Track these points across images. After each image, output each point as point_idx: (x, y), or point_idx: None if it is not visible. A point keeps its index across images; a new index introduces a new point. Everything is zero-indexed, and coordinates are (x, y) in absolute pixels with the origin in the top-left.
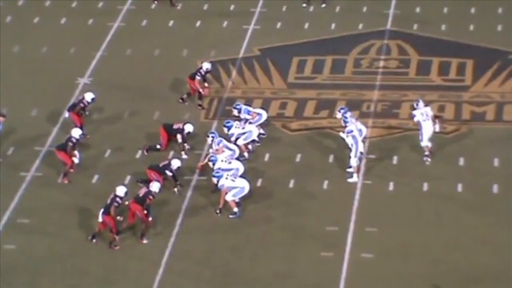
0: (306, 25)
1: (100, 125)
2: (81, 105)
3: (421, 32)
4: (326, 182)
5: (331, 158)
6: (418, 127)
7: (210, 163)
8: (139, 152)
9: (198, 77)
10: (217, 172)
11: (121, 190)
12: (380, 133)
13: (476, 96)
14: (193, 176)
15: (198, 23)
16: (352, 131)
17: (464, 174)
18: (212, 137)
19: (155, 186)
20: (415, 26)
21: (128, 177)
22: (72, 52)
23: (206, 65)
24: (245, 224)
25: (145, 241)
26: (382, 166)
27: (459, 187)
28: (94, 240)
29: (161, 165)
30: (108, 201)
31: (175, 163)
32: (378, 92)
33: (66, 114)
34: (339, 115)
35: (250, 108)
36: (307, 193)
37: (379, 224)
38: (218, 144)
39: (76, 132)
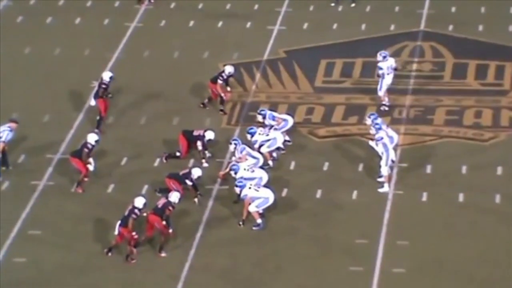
0: (335, 26)
1: (116, 131)
2: (103, 86)
3: (457, 33)
4: (355, 192)
5: (360, 167)
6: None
7: (232, 172)
8: (158, 160)
9: (220, 81)
10: (240, 182)
11: (139, 201)
12: (412, 140)
13: None
14: (214, 185)
15: (220, 24)
16: (382, 138)
17: (502, 184)
18: (235, 144)
19: (174, 196)
20: (451, 27)
21: (146, 187)
22: (87, 54)
23: (229, 68)
24: (269, 236)
25: (163, 254)
26: (414, 176)
27: (497, 198)
28: (110, 254)
29: (180, 173)
30: (126, 213)
31: (196, 172)
32: (410, 97)
33: (93, 103)
34: (368, 121)
35: (275, 114)
36: (335, 203)
37: (411, 237)
38: (241, 152)
39: (92, 138)
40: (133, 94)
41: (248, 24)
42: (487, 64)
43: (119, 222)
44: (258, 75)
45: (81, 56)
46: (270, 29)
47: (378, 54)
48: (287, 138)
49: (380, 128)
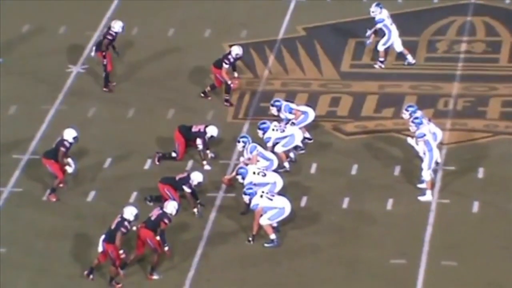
0: None
1: (98, 127)
2: (109, 38)
3: None
4: (390, 202)
5: (397, 171)
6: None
7: (239, 177)
8: (149, 161)
9: (225, 65)
10: (249, 188)
11: (130, 212)
12: (461, 138)
13: None
14: (218, 193)
15: None
16: (424, 135)
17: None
18: (244, 142)
19: (170, 207)
20: None
21: (134, 194)
22: (62, 33)
23: (236, 50)
24: (284, 255)
25: (155, 277)
26: (463, 181)
27: None
28: (91, 276)
29: (177, 178)
30: (113, 226)
31: (195, 177)
32: (458, 84)
33: (92, 53)
34: (406, 115)
35: (292, 105)
36: (365, 215)
37: (459, 256)
38: (251, 152)
39: (69, 134)
40: (118, 82)
41: None
42: None
43: (103, 236)
44: (271, 58)
45: (56, 36)
46: (286, 1)
47: (372, 8)
48: (307, 135)
49: (420, 123)
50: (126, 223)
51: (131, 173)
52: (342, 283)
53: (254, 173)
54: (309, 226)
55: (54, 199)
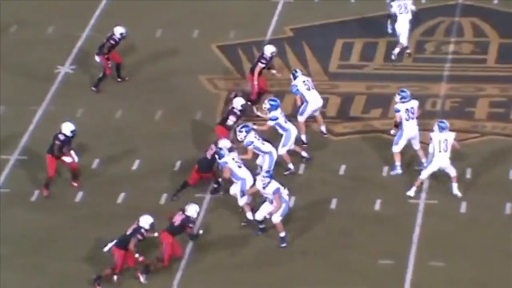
0: None
1: (86, 127)
2: (112, 42)
3: (504, 6)
4: (378, 202)
5: (385, 171)
6: (495, 131)
7: (217, 157)
8: (137, 162)
9: (261, 64)
10: (222, 156)
11: (145, 221)
12: None
13: None
14: (205, 194)
15: None
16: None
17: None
18: (247, 132)
19: (191, 210)
20: None
21: (122, 195)
22: (51, 32)
23: (271, 49)
24: (273, 257)
25: (142, 279)
26: (451, 181)
27: None
28: (115, 278)
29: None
30: (128, 232)
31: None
32: (446, 85)
33: (97, 59)
34: (397, 98)
35: (256, 143)
36: (353, 216)
37: (447, 257)
38: (248, 146)
39: (67, 128)
40: (107, 82)
41: None
42: None
43: (114, 241)
44: None
45: (44, 35)
46: (274, 2)
47: None
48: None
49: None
50: (142, 230)
51: (120, 174)
52: (331, 284)
53: (233, 159)
54: (297, 227)
55: (45, 194)
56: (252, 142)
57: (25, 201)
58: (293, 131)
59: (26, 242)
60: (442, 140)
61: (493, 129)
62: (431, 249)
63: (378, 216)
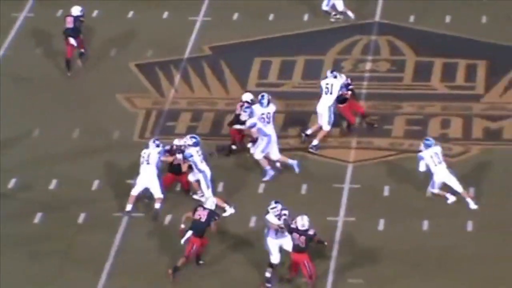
0: (271, 17)
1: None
2: (81, 20)
3: (419, 25)
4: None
5: (303, 189)
6: (412, 148)
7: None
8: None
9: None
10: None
11: (211, 202)
12: (366, 156)
13: (490, 108)
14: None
15: (130, 14)
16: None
17: (474, 211)
18: (251, 112)
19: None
20: (412, 18)
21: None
22: None
23: (344, 78)
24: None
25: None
26: (369, 199)
27: (469, 226)
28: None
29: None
30: (203, 219)
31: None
32: (364, 103)
33: (74, 42)
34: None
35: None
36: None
37: (365, 274)
38: (251, 127)
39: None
40: (24, 99)
41: (165, 14)
42: (455, 63)
43: (190, 232)
44: (177, 77)
45: None
46: (192, 20)
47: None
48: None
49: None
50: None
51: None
52: None
53: (197, 152)
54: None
55: None
56: (191, 155)
57: None
58: (273, 135)
59: None
60: (433, 155)
61: (410, 147)
62: (349, 266)
63: None
